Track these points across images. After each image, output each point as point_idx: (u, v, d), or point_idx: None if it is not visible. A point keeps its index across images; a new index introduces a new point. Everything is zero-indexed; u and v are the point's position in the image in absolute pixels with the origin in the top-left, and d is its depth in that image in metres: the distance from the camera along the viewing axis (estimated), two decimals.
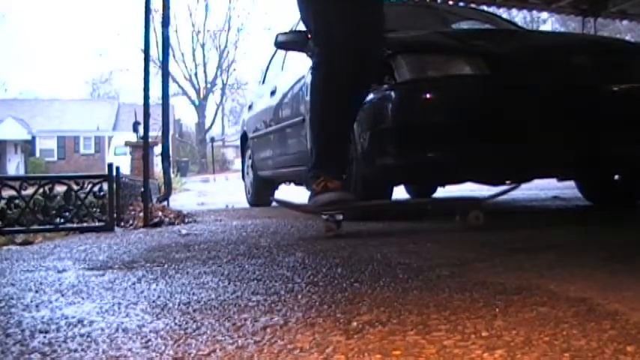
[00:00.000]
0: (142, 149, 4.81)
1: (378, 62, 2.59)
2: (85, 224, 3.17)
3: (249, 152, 5.49)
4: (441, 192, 4.70)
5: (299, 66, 3.82)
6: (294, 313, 1.12)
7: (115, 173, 3.28)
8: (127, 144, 11.64)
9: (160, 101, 4.41)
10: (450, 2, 6.97)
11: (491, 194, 2.92)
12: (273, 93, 4.60)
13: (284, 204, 3.14)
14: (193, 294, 1.34)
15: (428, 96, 2.68)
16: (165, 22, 4.14)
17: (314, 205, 2.49)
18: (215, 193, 10.42)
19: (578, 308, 1.07)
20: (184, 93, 37.98)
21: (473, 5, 6.88)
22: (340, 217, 2.50)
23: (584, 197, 3.81)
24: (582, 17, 7.82)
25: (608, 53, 3.07)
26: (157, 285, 1.47)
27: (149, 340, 0.98)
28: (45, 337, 1.02)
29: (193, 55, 38.14)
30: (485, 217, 2.51)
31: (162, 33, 4.10)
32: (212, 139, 32.19)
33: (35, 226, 3.09)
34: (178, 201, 6.84)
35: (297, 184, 4.77)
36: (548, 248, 1.88)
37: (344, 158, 2.61)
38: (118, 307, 1.24)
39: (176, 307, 1.22)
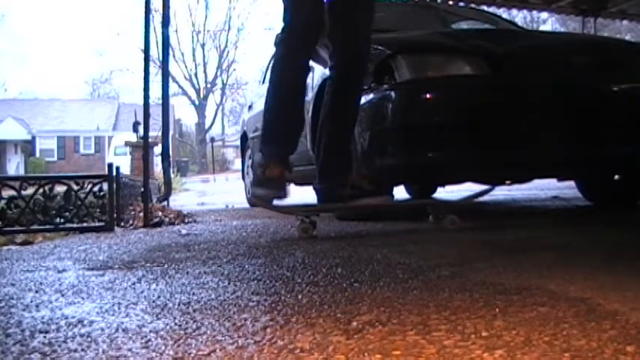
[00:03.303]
0: (142, 149, 4.82)
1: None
2: (85, 224, 3.17)
3: (249, 152, 5.49)
4: (441, 192, 4.70)
5: None
6: (295, 313, 1.12)
7: (115, 173, 3.28)
8: (127, 144, 11.64)
9: (160, 101, 4.41)
10: (450, 2, 6.97)
11: (462, 197, 2.93)
12: None
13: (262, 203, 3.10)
14: (193, 294, 1.34)
15: (428, 96, 2.68)
16: (165, 22, 4.15)
17: (252, 196, 2.51)
18: (215, 193, 10.41)
19: (578, 308, 1.07)
20: (184, 93, 37.99)
21: (473, 5, 6.88)
22: (315, 217, 2.49)
23: (584, 197, 3.81)
24: (582, 17, 7.82)
25: (608, 53, 3.07)
26: (157, 285, 1.47)
27: (149, 340, 0.98)
28: (45, 337, 1.02)
29: (193, 55, 38.17)
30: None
31: (163, 33, 4.10)
32: (212, 139, 32.18)
33: (35, 226, 3.09)
34: (178, 201, 6.84)
35: (297, 184, 4.77)
36: (548, 248, 1.88)
37: (288, 142, 2.57)
38: (118, 307, 1.24)
39: (176, 307, 1.22)
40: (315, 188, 2.71)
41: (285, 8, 2.51)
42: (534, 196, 5.07)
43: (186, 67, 37.75)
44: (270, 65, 2.64)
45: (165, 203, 4.32)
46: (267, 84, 2.73)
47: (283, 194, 2.51)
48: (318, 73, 3.29)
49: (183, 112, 41.05)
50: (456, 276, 1.44)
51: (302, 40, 2.49)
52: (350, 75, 2.61)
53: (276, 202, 2.61)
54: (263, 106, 2.65)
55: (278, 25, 2.54)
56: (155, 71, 9.97)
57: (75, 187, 3.17)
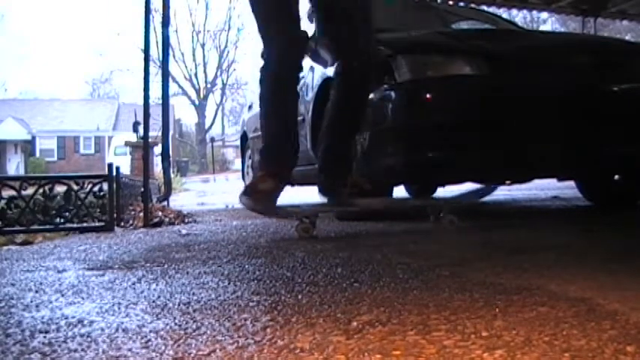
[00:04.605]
0: (142, 149, 4.82)
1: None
2: (85, 224, 3.17)
3: (249, 152, 5.49)
4: (441, 192, 4.69)
5: None
6: (295, 313, 1.12)
7: (115, 173, 3.29)
8: (127, 144, 11.64)
9: (160, 101, 4.42)
10: (450, 2, 6.96)
11: (458, 195, 2.93)
12: None
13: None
14: (193, 294, 1.34)
15: (428, 96, 2.68)
16: (166, 22, 4.15)
17: (240, 202, 2.51)
18: (215, 193, 10.41)
19: (578, 308, 1.07)
20: (184, 93, 37.95)
21: (473, 5, 6.88)
22: (315, 217, 2.48)
23: (584, 197, 3.81)
24: (582, 17, 7.82)
25: (608, 53, 3.07)
26: (157, 285, 1.47)
27: (149, 340, 0.98)
28: (45, 337, 1.02)
29: (193, 55, 38.12)
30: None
31: (162, 33, 4.11)
32: (212, 139, 32.17)
33: (35, 226, 3.09)
34: (178, 201, 6.84)
35: (297, 184, 4.77)
36: (548, 248, 1.88)
37: (283, 156, 2.55)
38: (118, 307, 1.24)
39: (176, 307, 1.22)
40: (317, 184, 2.72)
41: (263, 38, 2.48)
42: (534, 196, 5.07)
43: (186, 67, 37.75)
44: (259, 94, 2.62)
45: (165, 203, 4.32)
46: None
47: (272, 210, 2.50)
48: (318, 73, 3.29)
49: (183, 112, 41.01)
50: (455, 276, 1.44)
51: (288, 59, 2.46)
52: (352, 77, 2.58)
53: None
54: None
55: None
56: (155, 71, 9.95)
57: (75, 187, 3.18)
